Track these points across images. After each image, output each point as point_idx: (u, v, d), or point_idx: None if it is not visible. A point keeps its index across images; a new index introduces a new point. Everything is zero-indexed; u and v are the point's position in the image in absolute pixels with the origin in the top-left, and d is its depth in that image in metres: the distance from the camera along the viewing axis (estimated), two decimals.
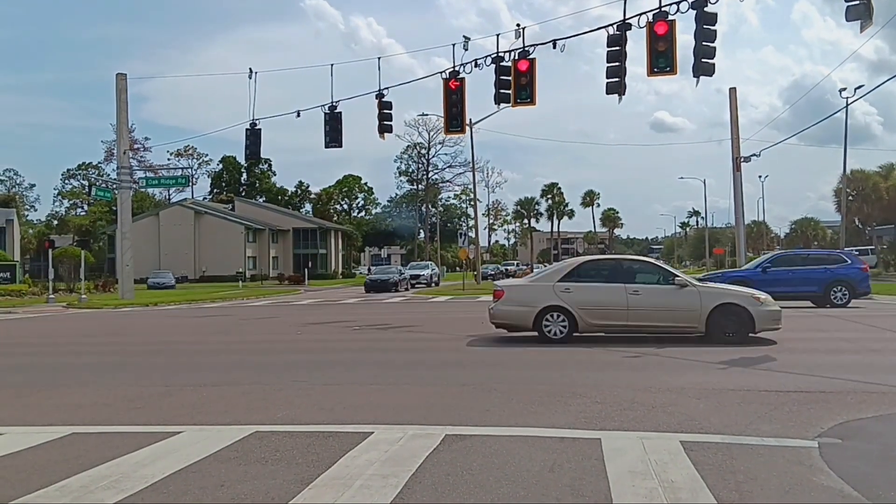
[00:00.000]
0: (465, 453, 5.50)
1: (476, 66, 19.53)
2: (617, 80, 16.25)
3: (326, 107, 22.82)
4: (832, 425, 6.22)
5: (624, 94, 16.34)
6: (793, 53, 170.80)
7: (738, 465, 5.06)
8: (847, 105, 38.93)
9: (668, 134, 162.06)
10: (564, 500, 4.42)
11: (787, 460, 5.20)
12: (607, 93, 16.36)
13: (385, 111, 21.60)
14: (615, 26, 16.41)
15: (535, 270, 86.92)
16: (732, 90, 39.74)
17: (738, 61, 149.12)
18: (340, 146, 23.05)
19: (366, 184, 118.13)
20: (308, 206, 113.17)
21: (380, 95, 21.56)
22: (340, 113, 22.76)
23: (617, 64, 16.26)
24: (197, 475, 5.05)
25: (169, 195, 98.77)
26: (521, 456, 5.39)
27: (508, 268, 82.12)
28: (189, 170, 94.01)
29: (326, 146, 22.99)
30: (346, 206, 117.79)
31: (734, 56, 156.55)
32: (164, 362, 11.92)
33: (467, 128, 45.85)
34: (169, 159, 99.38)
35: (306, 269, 67.81)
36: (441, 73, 20.08)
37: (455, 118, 19.75)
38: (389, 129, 21.80)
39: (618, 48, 16.24)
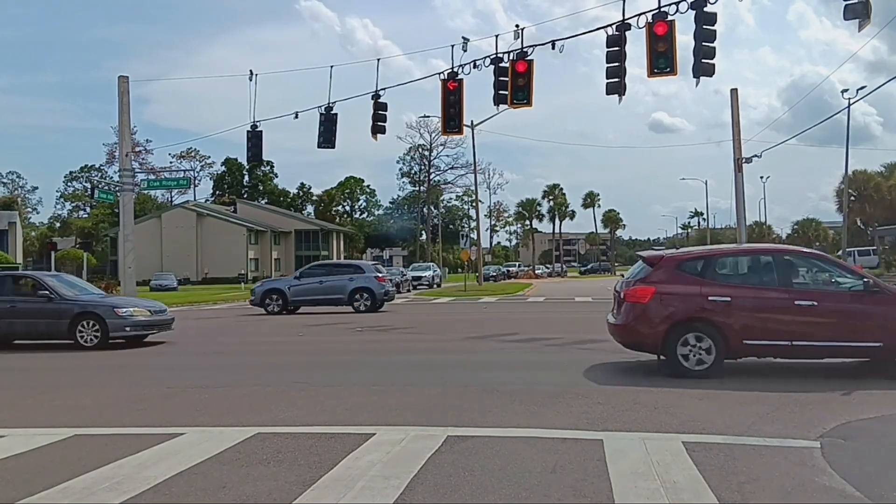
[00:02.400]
0: (467, 454, 5.50)
1: (475, 66, 19.49)
2: (617, 80, 16.22)
3: (322, 108, 22.78)
4: (834, 426, 6.21)
5: (624, 95, 16.32)
6: (790, 54, 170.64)
7: (741, 466, 5.06)
8: (849, 106, 38.91)
9: (666, 135, 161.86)
10: (566, 501, 4.42)
11: (790, 461, 5.20)
12: (607, 93, 16.33)
13: (379, 112, 21.57)
14: (614, 27, 16.38)
15: (537, 272, 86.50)
16: (734, 91, 39.67)
17: (736, 62, 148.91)
18: (333, 147, 23.02)
19: (368, 185, 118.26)
20: (310, 208, 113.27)
21: (376, 96, 21.52)
22: (336, 114, 22.71)
23: (616, 64, 16.23)
24: (199, 477, 5.05)
25: (171, 197, 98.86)
26: (523, 457, 5.39)
27: (510, 269, 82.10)
28: (191, 172, 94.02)
29: (319, 146, 22.97)
30: (347, 208, 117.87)
31: (731, 56, 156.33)
32: (165, 363, 11.93)
33: (469, 129, 45.90)
34: (171, 161, 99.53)
35: None
36: (439, 73, 20.06)
37: (453, 119, 19.70)
38: (382, 131, 21.76)
39: (617, 48, 16.21)
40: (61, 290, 14.52)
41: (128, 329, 14.08)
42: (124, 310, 14.23)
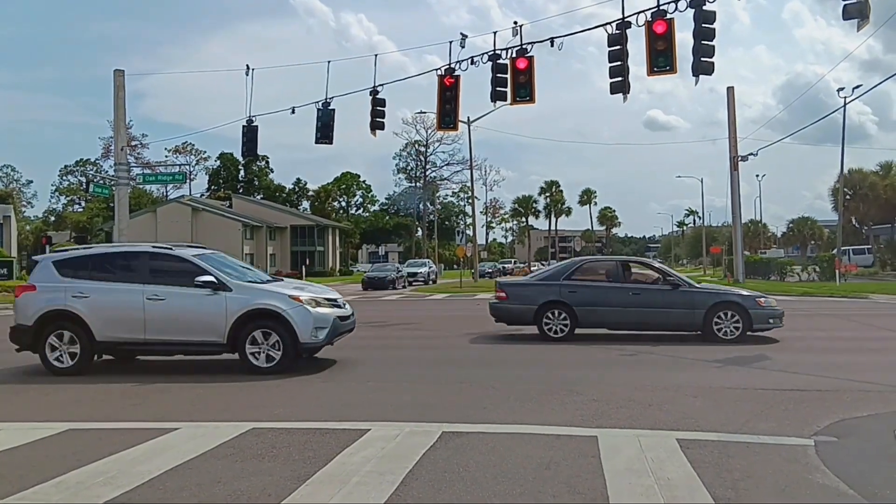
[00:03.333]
0: (461, 450, 5.51)
1: (472, 63, 19.46)
2: (620, 79, 16.22)
3: (320, 103, 22.72)
4: (828, 424, 6.23)
5: (628, 93, 16.33)
6: (785, 53, 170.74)
7: (735, 463, 5.07)
8: (845, 105, 38.87)
9: (661, 132, 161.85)
10: (561, 498, 4.42)
11: (784, 458, 5.21)
12: (611, 92, 16.33)
13: (378, 108, 21.54)
14: (615, 25, 16.37)
15: (533, 269, 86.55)
16: (730, 89, 39.66)
17: (731, 60, 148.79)
18: (331, 143, 22.96)
19: (364, 181, 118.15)
20: (306, 204, 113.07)
21: (374, 92, 21.49)
22: (333, 110, 22.66)
23: (619, 63, 16.23)
24: (193, 472, 5.04)
25: (166, 192, 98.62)
26: (518, 453, 5.40)
27: (506, 265, 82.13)
28: (186, 166, 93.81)
29: (317, 142, 22.93)
30: (343, 204, 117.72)
31: (727, 55, 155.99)
32: (160, 358, 11.89)
33: (465, 125, 45.83)
34: (167, 156, 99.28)
35: (304, 267, 67.73)
36: (436, 69, 20.03)
37: (448, 115, 19.68)
38: (381, 127, 21.74)
39: (619, 47, 16.21)
40: (684, 278, 13.88)
41: (770, 322, 12.85)
42: (765, 300, 13.10)
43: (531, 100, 17.91)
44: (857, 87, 48.58)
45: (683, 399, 7.49)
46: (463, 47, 19.79)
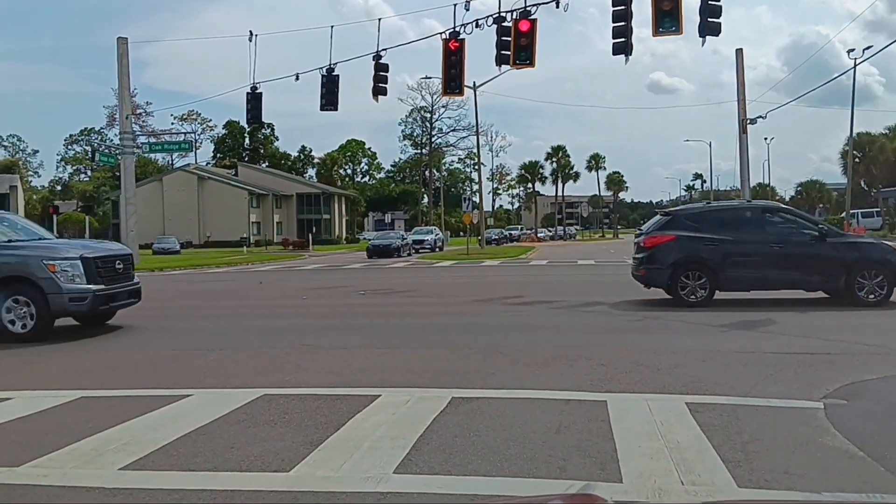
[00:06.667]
0: (471, 415, 5.54)
1: (477, 26, 19.20)
2: (623, 40, 16.03)
3: (324, 69, 22.53)
4: (837, 386, 6.23)
5: (631, 55, 16.14)
6: (786, 13, 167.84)
7: (744, 426, 5.08)
8: (854, 67, 38.34)
9: (665, 95, 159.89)
10: (571, 461, 4.45)
11: (793, 421, 5.22)
12: (614, 53, 16.16)
13: (381, 73, 21.36)
14: None
15: (539, 235, 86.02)
16: (739, 52, 39.06)
17: (733, 21, 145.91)
18: (336, 109, 22.83)
19: (369, 148, 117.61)
20: (311, 171, 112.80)
21: (377, 57, 21.27)
22: (337, 76, 22.47)
23: (623, 24, 16.02)
24: (206, 437, 5.09)
25: (172, 160, 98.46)
26: (528, 418, 5.43)
27: (512, 232, 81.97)
28: (192, 135, 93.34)
29: (322, 108, 22.78)
30: (349, 171, 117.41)
31: (728, 15, 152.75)
32: (171, 327, 11.98)
33: (471, 91, 45.43)
34: (172, 124, 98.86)
35: (310, 235, 67.79)
36: (441, 33, 19.80)
37: (454, 80, 19.49)
38: (384, 92, 21.58)
39: (623, 7, 15.97)
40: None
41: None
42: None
43: (531, 63, 17.69)
44: (868, 48, 47.67)
45: (692, 363, 7.50)
46: (467, 10, 19.54)
